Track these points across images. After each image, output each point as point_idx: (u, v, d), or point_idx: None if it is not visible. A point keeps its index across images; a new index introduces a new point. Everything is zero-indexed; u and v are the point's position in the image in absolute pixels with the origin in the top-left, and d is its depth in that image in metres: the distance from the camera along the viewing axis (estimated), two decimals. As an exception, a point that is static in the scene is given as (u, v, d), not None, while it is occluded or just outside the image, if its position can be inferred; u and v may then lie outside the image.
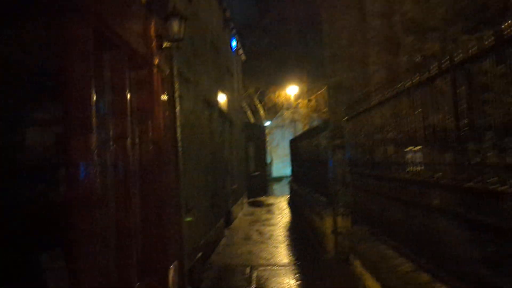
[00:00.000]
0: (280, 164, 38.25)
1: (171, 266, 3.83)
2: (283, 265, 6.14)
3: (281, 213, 11.69)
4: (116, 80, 3.00)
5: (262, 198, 16.09)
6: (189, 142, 5.40)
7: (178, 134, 4.22)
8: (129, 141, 3.09)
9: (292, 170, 15.35)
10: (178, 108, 4.42)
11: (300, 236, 8.20)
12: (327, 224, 6.69)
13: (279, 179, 33.20)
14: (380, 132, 4.57)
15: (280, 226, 9.51)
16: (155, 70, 3.76)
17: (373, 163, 4.83)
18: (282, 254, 6.81)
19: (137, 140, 3.48)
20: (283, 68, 32.17)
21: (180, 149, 4.27)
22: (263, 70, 31.86)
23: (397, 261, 3.71)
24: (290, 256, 6.71)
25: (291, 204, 13.17)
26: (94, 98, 2.37)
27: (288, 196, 15.51)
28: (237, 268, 6.06)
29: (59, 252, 2.23)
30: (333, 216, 6.61)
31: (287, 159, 38.37)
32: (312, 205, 8.07)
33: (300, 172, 12.05)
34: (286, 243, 7.65)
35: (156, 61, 3.82)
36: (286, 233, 8.60)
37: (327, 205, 6.87)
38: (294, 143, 14.02)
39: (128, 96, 3.16)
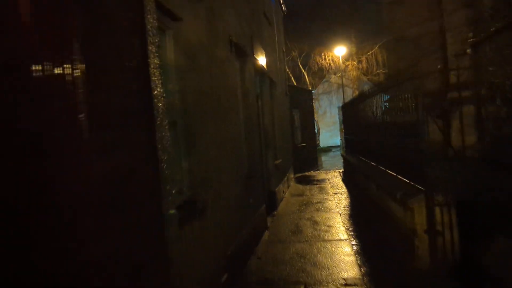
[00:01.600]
0: (327, 133, 35.65)
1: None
2: (354, 284, 4.07)
3: (336, 193, 9.54)
4: None
5: (311, 173, 13.96)
6: (199, 103, 3.38)
7: (155, 77, 2.16)
8: None
9: (346, 140, 13.02)
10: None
11: (369, 228, 6.05)
12: (417, 218, 4.49)
13: (326, 149, 30.75)
14: None
15: (338, 212, 7.39)
16: None
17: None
18: (348, 261, 4.73)
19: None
20: (330, 28, 29.08)
21: (160, 113, 2.22)
22: (307, 30, 29.01)
23: None
24: (360, 265, 4.61)
25: (348, 180, 10.94)
26: None
27: (342, 170, 13.26)
28: None
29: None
30: (428, 207, 4.40)
31: (335, 128, 35.75)
32: (386, 187, 5.87)
33: (359, 142, 9.75)
34: (351, 240, 5.54)
35: None
36: (349, 224, 6.47)
37: (415, 190, 4.66)
38: (349, 108, 11.64)
39: None
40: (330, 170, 14.80)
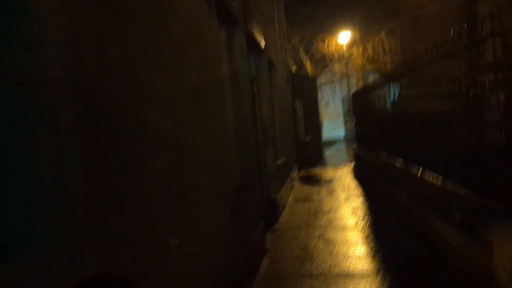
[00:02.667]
0: (331, 125, 34.00)
1: None
2: None
3: (349, 196, 7.98)
4: None
5: (317, 171, 12.40)
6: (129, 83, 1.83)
7: None
8: None
9: (358, 134, 11.47)
10: None
11: (405, 257, 4.48)
12: (499, 256, 2.95)
13: (330, 142, 29.15)
14: None
15: (357, 226, 5.84)
16: None
17: None
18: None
19: None
20: (333, 12, 27.42)
21: None
22: (309, 16, 27.30)
23: None
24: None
25: (362, 181, 9.38)
26: None
27: (353, 166, 11.71)
28: None
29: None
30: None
31: (338, 120, 34.14)
32: (429, 200, 4.31)
33: (377, 135, 8.18)
34: (382, 277, 3.99)
35: None
36: (375, 248, 4.91)
37: (489, 211, 3.09)
38: (363, 96, 10.05)
39: None
40: (337, 166, 13.24)
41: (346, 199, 7.77)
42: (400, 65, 7.06)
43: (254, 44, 5.62)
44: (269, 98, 7.05)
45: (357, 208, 6.97)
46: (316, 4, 26.92)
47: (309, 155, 13.98)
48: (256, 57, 6.29)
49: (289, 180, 9.04)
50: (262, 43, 6.06)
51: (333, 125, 33.80)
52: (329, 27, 26.06)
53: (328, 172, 11.80)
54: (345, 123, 34.07)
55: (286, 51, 11.35)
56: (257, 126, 6.21)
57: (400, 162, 6.01)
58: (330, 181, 10.19)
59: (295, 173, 11.27)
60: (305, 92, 14.38)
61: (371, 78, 34.17)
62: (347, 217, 6.36)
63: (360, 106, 10.77)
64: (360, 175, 10.06)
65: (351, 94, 11.49)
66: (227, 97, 4.17)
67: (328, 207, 7.19)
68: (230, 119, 4.22)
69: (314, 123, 15.61)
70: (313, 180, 10.46)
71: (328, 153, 19.45)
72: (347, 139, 33.08)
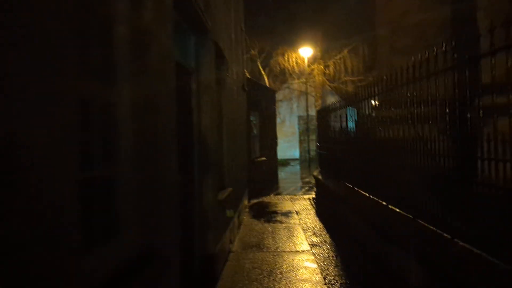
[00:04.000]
0: (285, 144, 32.33)
1: None
2: None
3: (316, 244, 5.95)
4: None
5: (272, 199, 10.35)
6: None
7: None
8: None
9: (321, 157, 9.61)
10: None
11: None
12: None
13: (284, 162, 27.32)
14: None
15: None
16: None
17: None
18: None
19: None
20: (295, 25, 26.01)
21: None
22: (270, 27, 25.70)
23: None
24: None
25: (328, 218, 7.39)
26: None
27: (314, 195, 9.79)
28: None
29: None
30: None
31: (294, 138, 32.63)
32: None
33: (343, 161, 6.30)
34: None
35: None
36: None
37: None
38: (328, 115, 8.23)
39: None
40: (295, 194, 11.30)
41: (311, 247, 5.72)
42: (376, 82, 5.39)
43: (192, 12, 3.49)
44: (215, 104, 4.90)
45: (328, 263, 4.92)
46: (278, 16, 25.42)
47: (263, 178, 11.94)
48: (197, 37, 4.15)
49: (237, 215, 6.89)
50: (205, 17, 3.93)
51: (288, 144, 32.21)
52: (290, 40, 24.62)
53: (285, 203, 9.76)
54: (300, 143, 32.66)
55: (243, 51, 9.33)
56: (194, 142, 4.05)
57: (394, 205, 4.07)
58: (288, 215, 8.14)
59: (245, 202, 9.14)
60: (263, 104, 12.42)
61: (330, 98, 33.21)
62: (317, 282, 4.27)
63: (325, 126, 8.95)
64: (324, 209, 8.12)
65: (316, 111, 9.62)
66: (124, 92, 2.00)
67: (288, 261, 5.09)
68: (127, 129, 2.04)
69: (270, 141, 13.65)
70: (267, 213, 8.36)
71: (283, 175, 17.53)
72: (301, 160, 31.62)
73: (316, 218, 7.81)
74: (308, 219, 7.74)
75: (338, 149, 7.53)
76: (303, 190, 12.01)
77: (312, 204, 9.37)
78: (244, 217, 7.93)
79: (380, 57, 11.09)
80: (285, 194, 11.21)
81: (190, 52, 4.04)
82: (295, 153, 32.19)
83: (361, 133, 6.13)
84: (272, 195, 10.96)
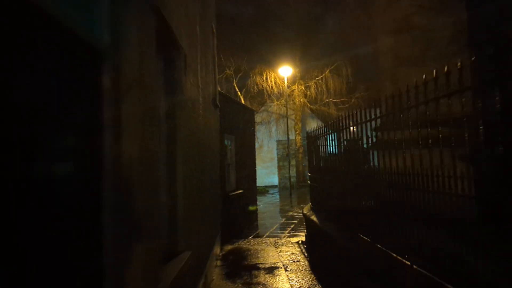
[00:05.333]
0: (264, 170, 30.31)
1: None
2: None
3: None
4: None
5: (250, 245, 8.25)
6: None
7: None
8: None
9: (312, 191, 7.71)
10: None
11: None
12: None
13: (263, 190, 25.27)
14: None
15: None
16: None
17: None
18: None
19: None
20: (273, 44, 24.46)
21: None
22: (247, 45, 24.10)
23: None
24: None
25: (328, 277, 5.35)
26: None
27: (301, 239, 7.81)
28: None
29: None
30: None
31: (272, 164, 30.64)
32: None
33: (343, 200, 4.37)
34: None
35: None
36: None
37: None
38: (322, 140, 6.34)
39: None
40: (278, 234, 9.25)
41: None
42: (386, 100, 3.61)
43: None
44: (157, 117, 2.89)
45: None
46: (255, 33, 23.88)
47: (240, 217, 9.87)
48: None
49: (203, 280, 4.78)
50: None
51: (266, 170, 30.21)
52: (268, 59, 23.03)
53: (268, 250, 7.67)
54: (279, 169, 30.72)
55: (215, 57, 7.40)
56: (102, 187, 1.98)
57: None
58: (273, 272, 6.06)
59: (217, 250, 7.04)
60: (240, 126, 10.47)
61: (311, 122, 31.63)
62: None
63: (317, 152, 7.08)
64: (321, 260, 6.12)
65: (307, 134, 7.76)
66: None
67: None
68: None
69: (248, 170, 11.63)
70: (246, 270, 6.24)
71: (262, 207, 15.43)
72: (280, 187, 29.62)
73: (312, 276, 5.77)
74: (302, 278, 5.69)
75: (340, 183, 5.62)
76: (288, 229, 9.98)
77: (302, 251, 7.33)
78: (214, 277, 5.80)
79: (382, 69, 9.35)
80: (267, 237, 9.13)
81: (97, 13, 2.05)
82: (274, 180, 30.19)
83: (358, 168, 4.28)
84: (251, 238, 8.86)
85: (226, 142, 9.42)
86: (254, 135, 12.62)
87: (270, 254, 7.24)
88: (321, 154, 7.03)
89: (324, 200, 6.70)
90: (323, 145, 6.87)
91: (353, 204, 5.07)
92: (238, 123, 10.41)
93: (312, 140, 7.62)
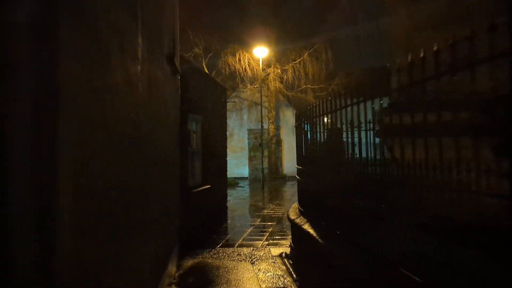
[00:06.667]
0: (234, 161, 28.17)
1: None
2: None
3: None
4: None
5: (218, 258, 6.26)
6: None
7: None
8: None
9: (302, 191, 5.85)
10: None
11: None
12: None
13: (232, 182, 23.22)
14: None
15: None
16: None
17: None
18: None
19: None
20: (247, 22, 22.35)
21: None
22: (218, 22, 21.84)
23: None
24: None
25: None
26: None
27: (289, 251, 5.94)
28: None
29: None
30: None
31: (243, 155, 28.62)
32: None
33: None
34: None
35: None
36: None
37: None
38: (317, 123, 4.43)
39: None
40: (254, 243, 7.34)
41: None
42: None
43: None
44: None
45: None
46: (227, 10, 21.64)
47: (206, 217, 7.88)
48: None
49: None
50: None
51: (236, 161, 28.15)
52: (242, 39, 20.90)
53: (241, 268, 5.71)
54: (250, 160, 28.81)
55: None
56: None
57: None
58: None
59: (171, 270, 5.05)
60: (208, 105, 8.41)
61: (285, 111, 29.81)
62: None
63: (313, 141, 5.20)
64: (316, 283, 4.27)
65: (295, 115, 5.84)
66: None
67: None
68: None
69: (218, 160, 9.61)
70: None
71: (232, 203, 13.43)
72: (251, 179, 27.73)
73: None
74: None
75: (332, 179, 3.79)
76: (266, 234, 8.07)
77: (289, 271, 5.45)
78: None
79: (395, 36, 7.45)
80: (240, 246, 7.16)
81: None
82: (244, 171, 28.25)
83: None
84: (218, 248, 6.89)
85: (190, 124, 7.36)
86: (226, 117, 10.59)
87: (246, 275, 5.30)
88: (316, 140, 5.15)
89: (321, 203, 4.83)
90: (316, 131, 5.01)
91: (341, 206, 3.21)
92: (206, 101, 8.35)
93: (303, 121, 5.71)
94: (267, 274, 5.34)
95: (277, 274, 5.32)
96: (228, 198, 11.91)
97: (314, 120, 5.03)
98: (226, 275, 5.32)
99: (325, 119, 4.85)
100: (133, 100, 3.01)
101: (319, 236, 4.42)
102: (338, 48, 22.02)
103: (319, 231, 4.57)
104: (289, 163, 28.23)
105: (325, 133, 4.82)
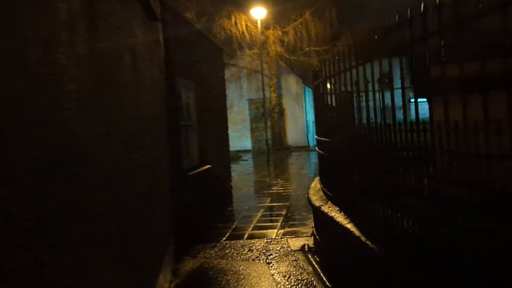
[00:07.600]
0: (235, 133, 26.79)
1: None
2: None
3: None
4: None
5: (225, 258, 5.01)
6: None
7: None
8: None
9: (324, 168, 4.51)
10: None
11: None
12: None
13: (235, 156, 21.91)
14: None
15: None
16: None
17: None
18: None
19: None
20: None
21: None
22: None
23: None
24: None
25: None
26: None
27: (313, 242, 4.65)
28: None
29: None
30: None
31: (244, 127, 27.01)
32: None
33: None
34: None
35: None
36: None
37: None
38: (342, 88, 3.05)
39: None
40: (266, 231, 6.12)
41: None
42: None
43: None
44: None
45: None
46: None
47: (207, 204, 6.62)
48: None
49: None
50: None
51: (238, 133, 26.80)
52: (238, 1, 19.10)
53: (256, 276, 4.48)
54: (252, 131, 27.47)
55: None
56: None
57: None
58: None
59: (164, 279, 3.81)
60: (203, 68, 7.00)
61: (287, 78, 28.18)
62: None
63: (340, 109, 3.86)
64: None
65: (313, 71, 4.38)
66: None
67: None
68: None
69: (219, 134, 8.27)
70: None
71: (237, 180, 12.14)
72: (254, 152, 26.48)
73: None
74: None
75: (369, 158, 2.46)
76: (279, 218, 6.84)
77: (317, 272, 4.22)
78: None
79: None
80: (250, 237, 5.90)
81: None
82: (247, 143, 26.98)
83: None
84: (224, 241, 5.64)
85: (181, 91, 5.98)
86: (224, 83, 9.17)
87: (262, 284, 4.06)
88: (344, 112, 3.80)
89: (364, 188, 3.53)
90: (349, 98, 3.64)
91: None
92: (200, 63, 6.92)
93: (328, 78, 4.32)
94: (289, 279, 4.09)
95: (303, 280, 4.08)
96: (232, 174, 10.66)
97: (349, 72, 3.63)
98: (236, 283, 4.08)
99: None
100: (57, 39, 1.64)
101: (365, 237, 3.13)
102: (341, 5, 20.21)
103: (362, 228, 3.27)
104: (293, 133, 26.90)
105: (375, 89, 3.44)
